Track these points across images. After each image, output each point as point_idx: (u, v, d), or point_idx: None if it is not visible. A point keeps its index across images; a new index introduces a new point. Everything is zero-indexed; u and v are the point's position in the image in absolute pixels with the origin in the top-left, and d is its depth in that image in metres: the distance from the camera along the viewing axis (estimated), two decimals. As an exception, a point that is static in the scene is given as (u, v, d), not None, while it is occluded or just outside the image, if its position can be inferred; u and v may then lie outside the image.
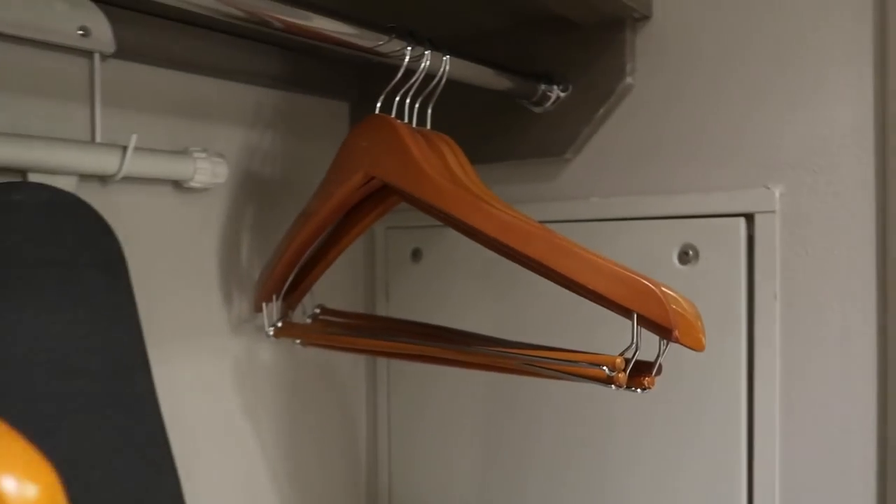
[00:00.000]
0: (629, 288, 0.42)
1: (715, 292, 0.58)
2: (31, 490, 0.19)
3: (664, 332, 0.41)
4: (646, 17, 0.62)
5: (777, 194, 0.56)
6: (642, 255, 0.61)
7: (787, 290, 0.55)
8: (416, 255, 0.77)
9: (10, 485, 0.19)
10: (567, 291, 0.45)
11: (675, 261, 0.60)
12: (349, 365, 0.84)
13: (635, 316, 0.42)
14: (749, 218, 0.57)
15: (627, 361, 0.43)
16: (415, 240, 0.77)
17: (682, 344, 0.42)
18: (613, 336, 0.44)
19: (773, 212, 0.55)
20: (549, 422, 0.67)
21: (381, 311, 0.81)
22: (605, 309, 0.44)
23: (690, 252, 0.59)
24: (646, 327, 0.42)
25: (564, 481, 0.67)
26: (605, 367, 0.42)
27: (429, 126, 0.57)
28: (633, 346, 0.42)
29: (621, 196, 0.64)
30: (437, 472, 0.77)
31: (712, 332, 0.58)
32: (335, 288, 0.81)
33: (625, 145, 0.64)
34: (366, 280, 0.84)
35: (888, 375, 0.51)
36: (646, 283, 0.41)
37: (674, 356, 0.58)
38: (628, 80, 0.63)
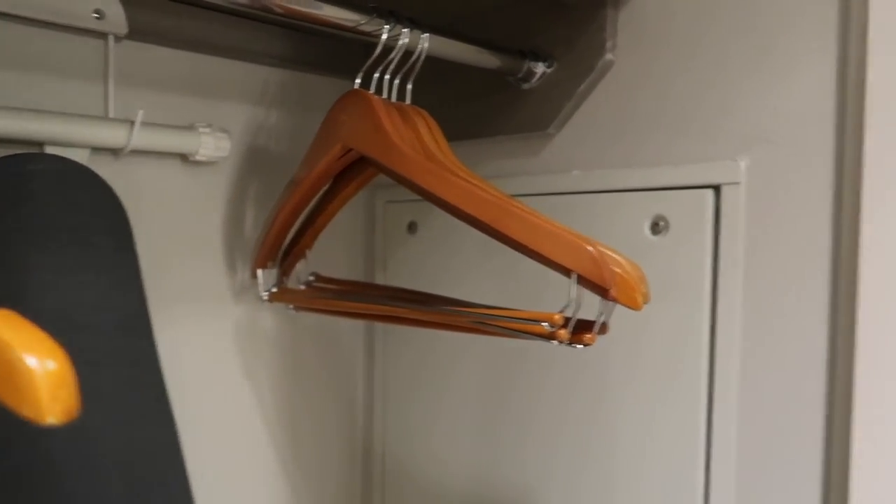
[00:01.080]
0: (566, 248, 0.44)
1: (684, 263, 0.59)
2: (51, 364, 0.25)
3: (601, 291, 0.44)
4: (626, -5, 0.64)
5: (743, 166, 0.57)
6: (618, 226, 0.63)
7: (750, 260, 0.56)
8: (412, 227, 0.80)
9: (33, 362, 0.25)
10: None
11: (648, 232, 0.61)
12: (349, 332, 0.87)
13: (574, 275, 0.44)
14: (717, 190, 0.58)
15: (568, 319, 0.45)
16: (411, 213, 0.80)
17: (618, 303, 0.44)
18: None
19: (738, 183, 0.57)
20: (545, 390, 0.70)
21: (379, 281, 0.84)
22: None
23: (662, 223, 0.61)
24: (585, 286, 0.44)
25: (559, 450, 0.69)
26: (545, 324, 0.45)
27: (408, 101, 0.60)
28: (573, 303, 0.44)
29: (600, 169, 0.65)
30: (431, 437, 0.80)
31: (681, 300, 0.60)
32: (337, 260, 0.85)
33: (604, 120, 0.66)
34: (365, 253, 0.88)
35: (837, 343, 0.52)
36: (581, 243, 0.43)
37: (649, 325, 0.60)
38: (608, 56, 0.64)
